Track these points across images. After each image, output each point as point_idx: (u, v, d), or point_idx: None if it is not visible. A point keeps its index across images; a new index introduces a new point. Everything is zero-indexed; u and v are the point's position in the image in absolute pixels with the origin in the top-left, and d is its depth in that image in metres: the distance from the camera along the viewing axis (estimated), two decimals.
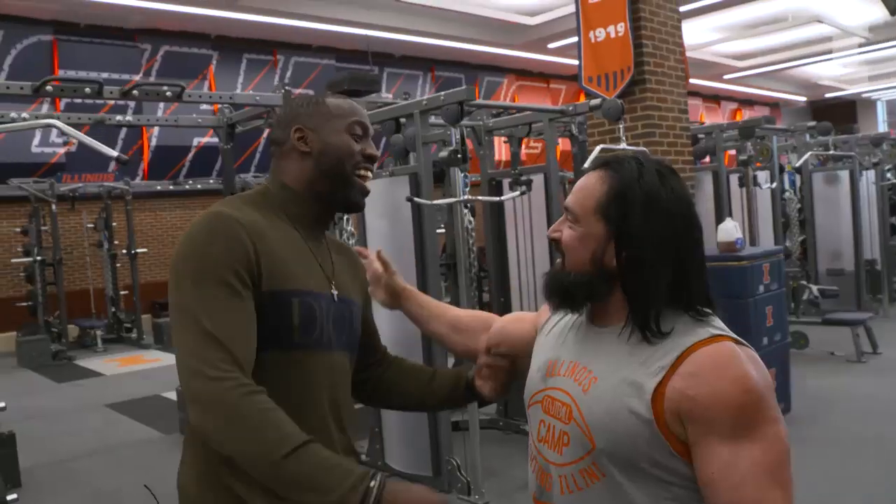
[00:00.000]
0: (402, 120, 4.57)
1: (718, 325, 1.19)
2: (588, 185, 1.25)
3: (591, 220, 1.21)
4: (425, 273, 4.20)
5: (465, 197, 3.91)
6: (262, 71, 13.33)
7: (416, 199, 3.92)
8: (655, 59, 5.38)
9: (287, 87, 5.46)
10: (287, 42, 13.20)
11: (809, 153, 8.20)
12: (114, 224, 11.20)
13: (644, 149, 4.86)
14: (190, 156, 12.56)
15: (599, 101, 4.54)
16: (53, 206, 10.03)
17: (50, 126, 2.41)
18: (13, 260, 10.75)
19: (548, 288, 1.28)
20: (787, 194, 9.08)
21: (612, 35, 5.35)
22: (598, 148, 4.38)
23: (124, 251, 11.04)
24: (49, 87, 3.92)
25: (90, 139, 2.41)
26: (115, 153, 2.41)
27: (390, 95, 10.28)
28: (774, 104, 21.42)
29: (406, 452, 4.42)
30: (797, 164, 8.16)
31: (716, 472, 1.08)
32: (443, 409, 1.76)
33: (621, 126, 4.49)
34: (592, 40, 5.52)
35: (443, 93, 4.09)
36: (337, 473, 1.16)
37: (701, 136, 7.08)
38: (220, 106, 5.55)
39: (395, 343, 4.27)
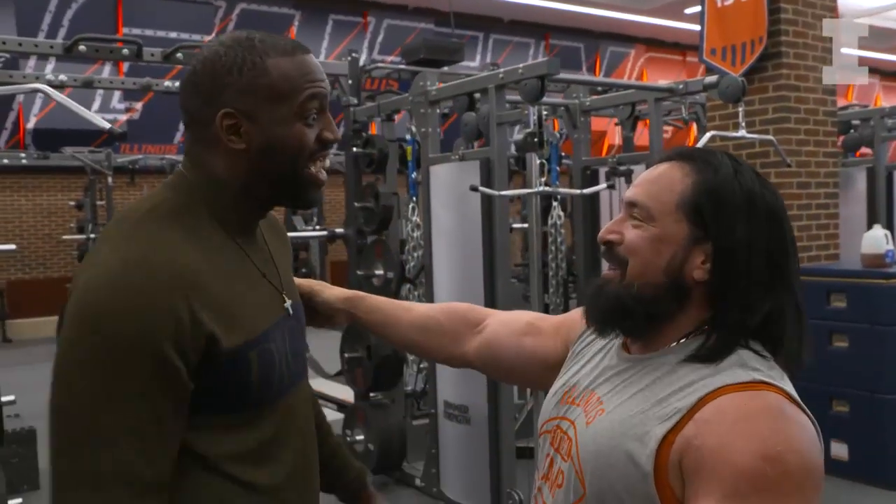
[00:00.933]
0: (477, 96, 4.57)
1: (772, 374, 1.08)
2: (665, 176, 1.17)
3: (669, 220, 1.14)
4: (493, 276, 4.19)
5: (540, 189, 3.86)
6: (351, 34, 13.60)
7: (480, 188, 3.90)
8: (796, 27, 5.14)
9: (354, 54, 5.56)
10: (379, 1, 13.42)
11: None
12: None
13: (771, 137, 4.67)
14: None
15: (716, 78, 4.38)
16: (110, 179, 10.50)
17: (36, 91, 2.54)
18: (65, 237, 11.39)
19: (597, 305, 1.19)
20: None
21: None
22: (707, 135, 4.24)
23: None
24: (82, 47, 4.13)
25: (79, 107, 2.53)
26: (107, 125, 2.52)
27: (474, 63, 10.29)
28: None
29: (463, 480, 4.44)
30: None
31: None
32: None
33: (741, 109, 4.32)
34: (719, 4, 5.34)
35: (521, 65, 4.06)
36: None
37: (856, 121, 6.73)
38: None
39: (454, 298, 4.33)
